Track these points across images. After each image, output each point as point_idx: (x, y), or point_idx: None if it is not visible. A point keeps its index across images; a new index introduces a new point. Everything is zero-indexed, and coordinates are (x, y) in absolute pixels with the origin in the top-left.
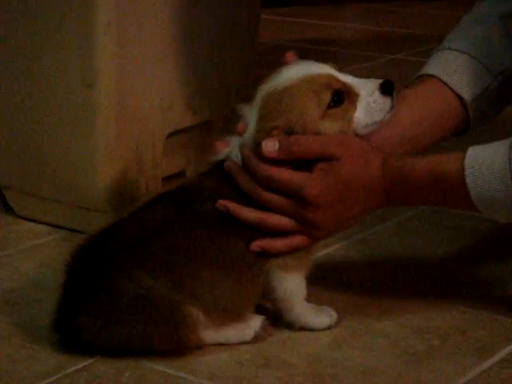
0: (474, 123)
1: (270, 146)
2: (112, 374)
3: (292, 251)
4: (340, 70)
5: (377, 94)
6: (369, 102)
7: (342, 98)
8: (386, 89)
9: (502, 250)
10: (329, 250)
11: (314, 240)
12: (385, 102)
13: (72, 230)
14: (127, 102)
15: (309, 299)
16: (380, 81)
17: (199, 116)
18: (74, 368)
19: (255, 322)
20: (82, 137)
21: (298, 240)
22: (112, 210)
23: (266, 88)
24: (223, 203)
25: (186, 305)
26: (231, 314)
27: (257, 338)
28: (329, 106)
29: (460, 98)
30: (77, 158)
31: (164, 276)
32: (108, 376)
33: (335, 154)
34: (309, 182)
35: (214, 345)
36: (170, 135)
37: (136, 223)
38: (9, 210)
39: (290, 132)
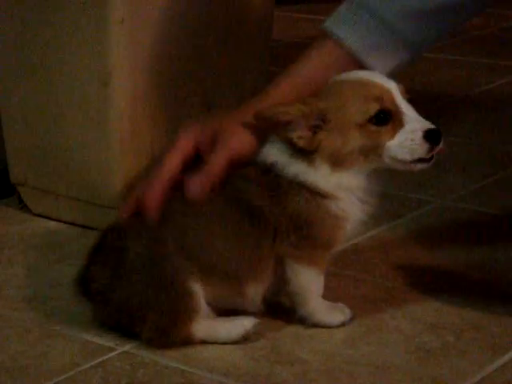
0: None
1: None
2: (127, 370)
3: None
4: (406, 97)
5: (419, 135)
6: (407, 138)
7: (387, 119)
8: (430, 136)
9: None
10: (343, 246)
11: None
12: (421, 147)
13: (86, 228)
14: (141, 100)
15: (323, 295)
16: (430, 126)
17: (213, 113)
18: (88, 364)
19: (248, 322)
20: (96, 134)
21: None
22: None
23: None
24: None
25: (192, 281)
26: (229, 279)
27: (247, 340)
28: (369, 120)
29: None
30: (91, 155)
31: (176, 245)
32: (122, 372)
33: None
34: None
35: (203, 341)
36: None
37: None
38: (24, 207)
39: (321, 119)
